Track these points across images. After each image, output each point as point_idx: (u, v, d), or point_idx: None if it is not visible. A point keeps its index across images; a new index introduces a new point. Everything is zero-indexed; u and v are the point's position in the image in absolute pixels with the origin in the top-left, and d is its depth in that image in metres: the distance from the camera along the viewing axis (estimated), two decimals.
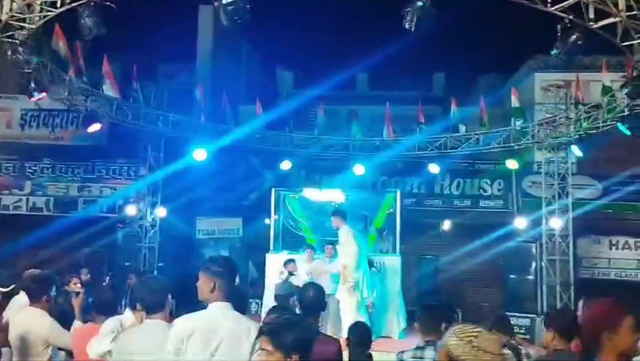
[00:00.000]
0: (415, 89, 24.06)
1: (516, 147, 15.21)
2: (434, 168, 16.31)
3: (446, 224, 17.98)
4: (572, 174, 15.87)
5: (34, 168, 18.31)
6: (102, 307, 5.80)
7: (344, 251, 11.62)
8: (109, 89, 14.40)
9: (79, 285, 8.48)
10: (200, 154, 15.10)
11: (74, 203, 18.23)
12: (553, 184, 15.35)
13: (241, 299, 5.39)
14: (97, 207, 17.97)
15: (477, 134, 15.69)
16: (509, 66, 20.94)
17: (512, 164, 15.53)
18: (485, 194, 18.14)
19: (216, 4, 8.75)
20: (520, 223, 16.27)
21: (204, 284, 4.07)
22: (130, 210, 16.54)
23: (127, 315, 5.34)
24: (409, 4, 8.70)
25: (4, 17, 9.92)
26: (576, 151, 14.41)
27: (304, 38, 27.02)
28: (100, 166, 18.26)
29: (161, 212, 16.26)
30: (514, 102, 15.07)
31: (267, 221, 15.97)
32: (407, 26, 8.89)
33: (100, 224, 17.14)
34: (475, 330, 2.75)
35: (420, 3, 8.59)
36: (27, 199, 18.14)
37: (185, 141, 15.71)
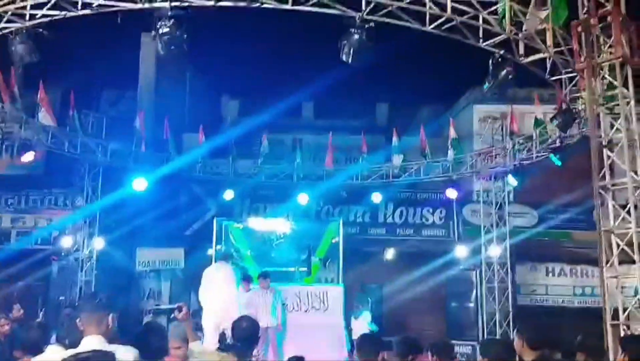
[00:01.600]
0: (359, 118, 24.42)
1: (455, 177, 15.54)
2: (376, 197, 16.49)
3: (389, 253, 18.11)
4: (509, 203, 16.32)
5: None
6: (28, 346, 5.52)
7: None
8: (45, 117, 13.99)
9: (6, 327, 8.05)
10: (140, 184, 14.79)
11: (7, 235, 17.49)
12: (491, 213, 15.74)
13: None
14: (31, 238, 17.28)
15: (417, 163, 15.97)
16: (449, 97, 21.54)
17: (451, 193, 15.86)
18: (427, 222, 18.42)
19: (153, 33, 8.67)
20: (460, 251, 16.57)
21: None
22: (66, 242, 15.97)
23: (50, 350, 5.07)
24: (344, 36, 8.84)
25: None
26: (512, 180, 14.87)
27: (249, 65, 27.08)
28: (35, 196, 17.64)
29: (99, 243, 15.77)
30: (452, 133, 15.45)
31: (209, 251, 15.68)
32: (344, 58, 9.02)
33: (35, 257, 16.47)
34: None
35: (356, 36, 8.73)
36: None
37: (125, 170, 15.38)
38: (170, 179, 16.15)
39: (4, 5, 8.86)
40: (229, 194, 16.55)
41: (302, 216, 16.81)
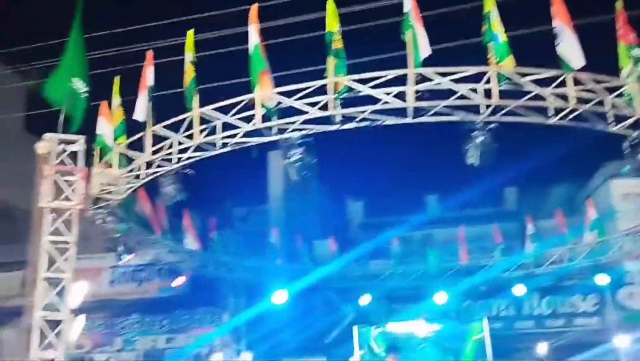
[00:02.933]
0: (487, 205, 23.86)
1: (604, 261, 14.53)
2: (519, 289, 15.71)
3: (541, 347, 16.89)
4: None
5: (123, 323, 18.95)
6: None
7: None
8: (190, 242, 15.09)
9: None
10: (280, 297, 15.27)
11: (161, 355, 18.53)
12: None
13: None
14: (182, 356, 18.15)
15: (559, 249, 15.14)
16: (581, 175, 20.54)
17: (602, 279, 14.78)
18: (578, 311, 17.14)
19: (285, 162, 9.26)
20: (621, 340, 15.14)
21: None
22: (217, 358, 16.61)
23: None
24: (468, 140, 8.88)
25: (94, 191, 10.82)
26: None
27: (371, 167, 27.70)
28: (184, 315, 18.71)
29: (246, 357, 16.24)
30: (592, 213, 14.62)
31: (351, 359, 15.60)
32: (470, 161, 9.04)
33: None
34: None
35: (479, 139, 8.76)
36: (118, 356, 18.62)
37: (264, 285, 15.97)
38: (306, 289, 16.50)
39: (155, 153, 9.93)
40: (365, 299, 16.56)
41: (442, 315, 16.34)
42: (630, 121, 8.85)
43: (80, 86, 10.71)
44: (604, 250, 14.59)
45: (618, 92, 8.65)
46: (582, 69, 8.46)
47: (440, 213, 24.81)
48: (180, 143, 9.59)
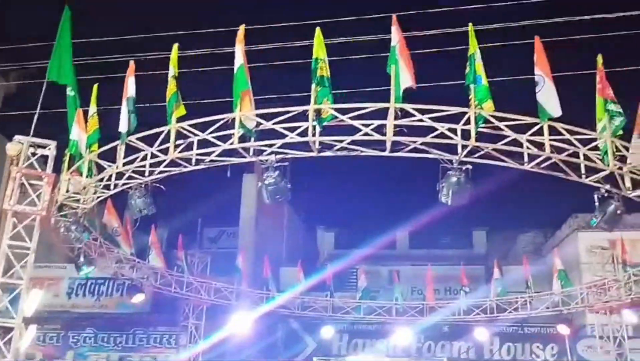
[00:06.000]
0: (456, 247, 24.03)
1: (565, 311, 14.63)
2: (481, 334, 15.71)
3: None
4: (629, 338, 14.99)
5: (77, 338, 18.38)
6: None
7: None
8: (155, 259, 14.81)
9: None
10: (240, 322, 14.98)
11: None
12: (609, 350, 14.49)
13: None
14: None
15: (523, 297, 15.21)
16: (550, 224, 20.82)
17: (563, 329, 14.87)
18: (538, 359, 17.18)
19: (259, 184, 9.18)
20: None
21: None
22: None
23: None
24: (443, 179, 8.91)
25: (60, 198, 10.57)
26: (629, 317, 13.76)
27: (344, 198, 27.76)
28: (141, 334, 18.24)
29: None
30: (558, 264, 14.78)
31: None
32: (442, 200, 9.06)
33: None
34: None
35: (453, 178, 8.80)
36: None
37: (228, 309, 15.69)
38: (269, 316, 16.27)
39: (126, 164, 9.75)
40: (327, 331, 16.35)
41: (404, 353, 16.22)
42: (602, 174, 8.98)
43: None
44: (567, 301, 14.70)
45: (592, 144, 8.79)
46: (559, 120, 8.61)
47: (409, 250, 24.94)
48: (154, 156, 9.42)
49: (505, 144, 8.73)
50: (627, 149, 8.91)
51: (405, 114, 8.59)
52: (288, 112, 8.76)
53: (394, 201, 27.37)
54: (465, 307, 15.66)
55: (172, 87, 9.22)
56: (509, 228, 23.65)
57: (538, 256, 21.00)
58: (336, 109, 8.62)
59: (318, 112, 8.59)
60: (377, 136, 8.68)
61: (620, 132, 8.60)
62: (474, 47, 8.51)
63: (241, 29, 9.05)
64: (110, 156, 9.90)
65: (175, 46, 9.34)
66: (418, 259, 21.62)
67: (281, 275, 20.04)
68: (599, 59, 8.86)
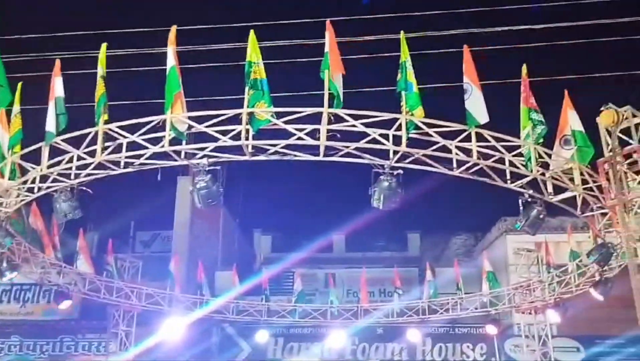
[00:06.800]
0: (391, 249, 24.42)
1: (494, 312, 15.11)
2: (413, 335, 16.02)
3: None
4: (553, 337, 15.63)
5: (1, 346, 17.56)
6: None
7: None
8: (83, 264, 14.33)
9: None
10: (173, 328, 14.71)
11: None
12: (535, 349, 15.06)
13: None
14: None
15: (454, 298, 15.62)
16: (481, 227, 21.47)
17: (491, 329, 15.35)
18: (468, 359, 17.65)
19: (190, 188, 9.03)
20: None
21: None
22: None
23: None
24: (375, 183, 9.02)
25: None
26: (553, 316, 14.34)
27: (281, 202, 27.73)
28: (69, 342, 17.59)
29: None
30: (487, 266, 15.25)
31: None
32: (374, 204, 9.17)
33: None
34: None
35: (385, 183, 8.92)
36: None
37: (159, 313, 15.36)
38: (203, 321, 16.04)
39: (51, 166, 9.39)
40: (262, 335, 16.27)
41: (338, 356, 16.33)
42: (526, 179, 9.33)
43: None
44: (495, 302, 15.19)
45: (517, 151, 9.12)
46: (486, 127, 8.89)
47: (345, 253, 25.13)
48: (80, 159, 9.11)
49: (435, 150, 8.93)
50: (549, 155, 9.32)
51: (339, 119, 8.66)
52: (221, 115, 8.65)
53: (331, 204, 27.57)
54: (398, 309, 15.92)
55: (100, 87, 8.94)
56: (442, 230, 24.23)
57: (470, 258, 21.65)
58: (269, 113, 8.58)
59: (251, 115, 8.52)
60: (310, 141, 8.70)
61: (541, 140, 8.96)
62: (405, 55, 8.66)
63: (173, 30, 8.87)
64: (34, 157, 9.51)
65: (104, 46, 9.07)
66: (354, 262, 21.82)
67: (216, 279, 19.81)
68: (524, 69, 9.21)
